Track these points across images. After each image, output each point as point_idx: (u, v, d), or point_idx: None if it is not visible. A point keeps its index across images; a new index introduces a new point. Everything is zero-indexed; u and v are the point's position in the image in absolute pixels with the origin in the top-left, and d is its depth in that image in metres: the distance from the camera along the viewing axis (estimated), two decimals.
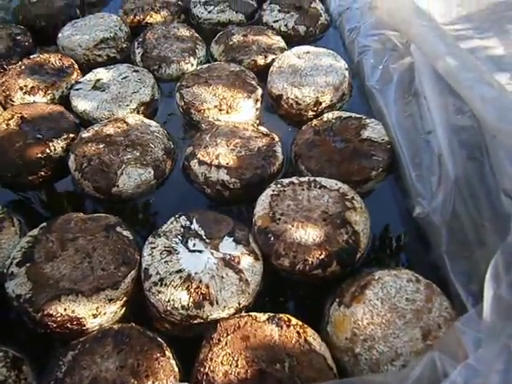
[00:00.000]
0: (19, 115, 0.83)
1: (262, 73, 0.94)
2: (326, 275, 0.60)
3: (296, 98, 0.85)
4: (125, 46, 1.07)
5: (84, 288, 0.57)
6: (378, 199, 0.75)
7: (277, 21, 1.07)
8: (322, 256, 0.59)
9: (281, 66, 0.90)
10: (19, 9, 1.19)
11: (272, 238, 0.60)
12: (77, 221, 0.66)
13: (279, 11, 1.08)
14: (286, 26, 1.06)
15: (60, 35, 1.05)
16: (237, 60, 0.95)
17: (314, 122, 0.81)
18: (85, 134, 0.79)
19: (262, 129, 0.82)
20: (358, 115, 0.80)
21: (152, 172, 0.75)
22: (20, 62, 0.98)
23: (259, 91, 0.87)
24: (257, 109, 0.87)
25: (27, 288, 0.58)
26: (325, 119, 0.81)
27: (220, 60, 0.98)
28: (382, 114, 0.84)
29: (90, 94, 0.89)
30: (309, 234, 0.60)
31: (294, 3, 1.10)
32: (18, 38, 1.06)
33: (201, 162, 0.74)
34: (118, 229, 0.65)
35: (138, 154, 0.75)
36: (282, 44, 1.00)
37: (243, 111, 0.84)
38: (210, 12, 1.10)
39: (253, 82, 0.88)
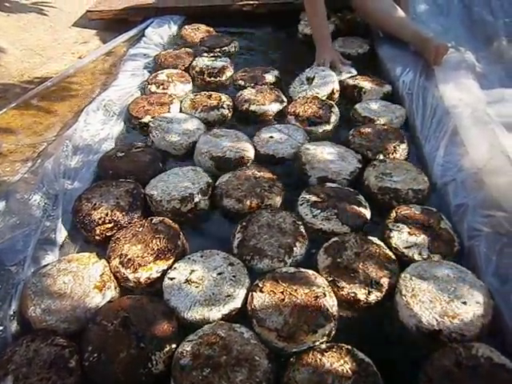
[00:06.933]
0: (125, 314, 0.83)
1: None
2: None
3: (461, 330, 0.78)
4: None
5: None
6: None
7: (409, 247, 0.97)
8: None
9: (414, 295, 0.84)
10: (104, 163, 1.26)
11: None
12: None
13: (409, 234, 0.99)
14: (420, 254, 0.96)
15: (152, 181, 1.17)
16: (337, 285, 0.88)
17: (461, 349, 0.75)
18: (184, 361, 0.76)
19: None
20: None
21: None
22: (143, 222, 1.04)
23: (331, 325, 0.82)
24: (322, 342, 0.81)
25: None
26: (473, 352, 0.74)
27: (322, 274, 0.92)
28: (506, 324, 0.82)
29: (184, 288, 0.89)
30: None
31: (423, 222, 1.01)
32: (135, 192, 1.13)
33: None
34: None
35: (246, 372, 0.73)
36: (394, 279, 0.90)
37: (304, 345, 0.79)
38: (314, 216, 1.04)
39: (328, 312, 0.82)
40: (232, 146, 1.26)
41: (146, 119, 1.46)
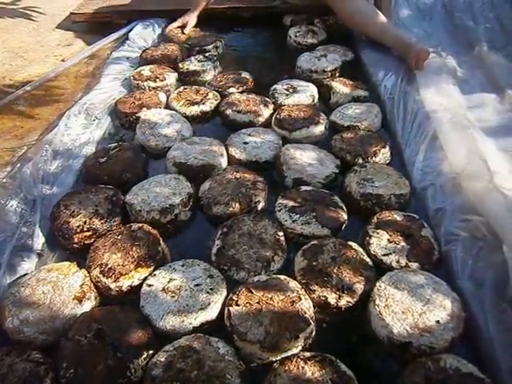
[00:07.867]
0: (98, 326, 0.82)
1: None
2: None
3: (431, 343, 0.78)
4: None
5: None
6: None
7: (387, 254, 0.96)
8: None
9: (387, 305, 0.83)
10: (89, 171, 1.25)
11: None
12: None
13: (389, 241, 0.98)
14: (397, 262, 0.94)
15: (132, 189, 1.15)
16: (309, 288, 0.89)
17: (430, 362, 0.75)
18: (155, 372, 0.76)
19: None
20: (480, 375, 0.73)
21: None
22: (121, 229, 1.03)
23: (311, 327, 0.82)
24: (304, 345, 0.82)
25: None
26: (442, 365, 0.74)
27: (296, 276, 0.93)
28: (477, 324, 0.83)
29: (160, 296, 0.88)
30: None
31: (404, 229, 1.00)
32: (114, 198, 1.11)
33: None
34: None
35: None
36: (368, 286, 0.90)
37: (288, 351, 0.80)
38: (294, 221, 1.03)
39: (306, 315, 0.82)
40: (199, 154, 1.24)
41: (141, 113, 1.44)
